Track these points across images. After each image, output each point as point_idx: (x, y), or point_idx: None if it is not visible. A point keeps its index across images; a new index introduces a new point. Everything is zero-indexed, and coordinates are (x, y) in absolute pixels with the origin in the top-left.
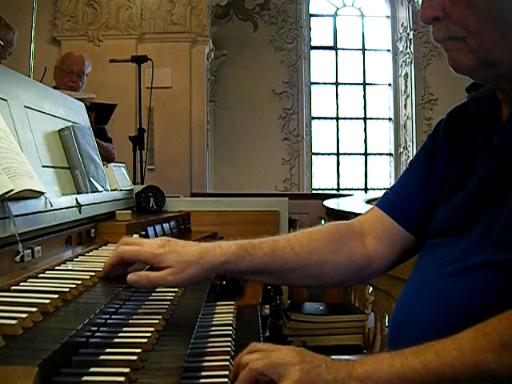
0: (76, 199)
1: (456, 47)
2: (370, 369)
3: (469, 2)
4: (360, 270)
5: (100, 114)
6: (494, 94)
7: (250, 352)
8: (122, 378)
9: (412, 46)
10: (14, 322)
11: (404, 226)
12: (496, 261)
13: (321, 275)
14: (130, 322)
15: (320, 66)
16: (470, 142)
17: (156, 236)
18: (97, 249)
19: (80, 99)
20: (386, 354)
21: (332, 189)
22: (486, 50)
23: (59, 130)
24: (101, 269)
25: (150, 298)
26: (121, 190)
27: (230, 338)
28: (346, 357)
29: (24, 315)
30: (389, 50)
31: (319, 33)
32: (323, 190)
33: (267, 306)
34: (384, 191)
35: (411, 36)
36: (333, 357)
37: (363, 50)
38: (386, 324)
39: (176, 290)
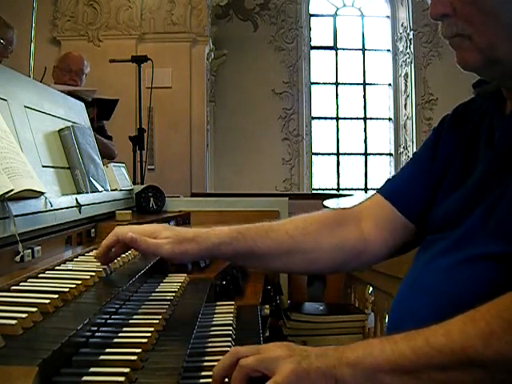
0: (76, 199)
1: (463, 45)
2: (361, 354)
3: (477, 1)
4: (356, 255)
5: (102, 109)
6: (499, 90)
7: (232, 354)
8: (121, 378)
9: (412, 46)
10: (14, 322)
11: (404, 214)
12: (496, 252)
13: (315, 259)
14: (130, 322)
15: (320, 66)
16: (472, 138)
17: None
18: (97, 249)
19: (81, 93)
20: (376, 340)
21: (332, 189)
22: (491, 48)
23: (59, 130)
24: (101, 269)
25: (150, 298)
26: (121, 190)
27: (229, 338)
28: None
29: (24, 315)
30: (389, 50)
31: (319, 33)
32: (323, 190)
33: (267, 306)
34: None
35: (411, 36)
36: None
37: (363, 49)
38: (386, 324)
39: (176, 289)
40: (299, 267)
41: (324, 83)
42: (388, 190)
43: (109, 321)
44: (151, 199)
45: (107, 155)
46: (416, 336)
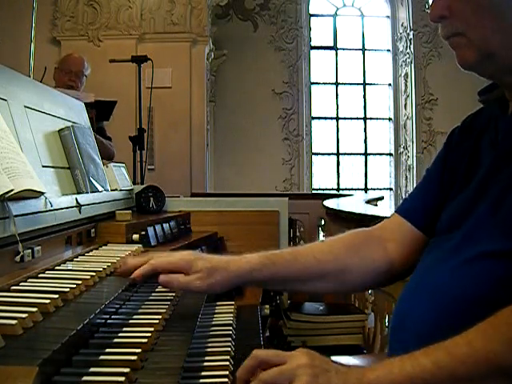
0: (76, 199)
1: (459, 43)
2: (381, 374)
3: None
4: (382, 275)
5: (100, 111)
6: (504, 96)
7: (253, 358)
8: (121, 378)
9: (412, 46)
10: (14, 321)
11: (422, 230)
12: (504, 249)
13: (344, 281)
14: (130, 321)
15: (320, 66)
16: (476, 144)
17: (156, 236)
18: (97, 249)
19: (79, 98)
20: (396, 359)
21: (332, 189)
22: (484, 41)
23: (59, 130)
24: (101, 269)
25: (150, 298)
26: (121, 190)
27: (230, 338)
28: (352, 361)
29: (24, 315)
30: (389, 50)
31: (319, 33)
32: (323, 190)
33: (267, 306)
34: (384, 191)
35: (411, 36)
36: (333, 358)
37: (363, 49)
38: (386, 324)
39: None
40: (329, 289)
41: (324, 83)
42: (404, 209)
43: (109, 321)
44: (151, 199)
45: (106, 156)
46: (436, 350)
